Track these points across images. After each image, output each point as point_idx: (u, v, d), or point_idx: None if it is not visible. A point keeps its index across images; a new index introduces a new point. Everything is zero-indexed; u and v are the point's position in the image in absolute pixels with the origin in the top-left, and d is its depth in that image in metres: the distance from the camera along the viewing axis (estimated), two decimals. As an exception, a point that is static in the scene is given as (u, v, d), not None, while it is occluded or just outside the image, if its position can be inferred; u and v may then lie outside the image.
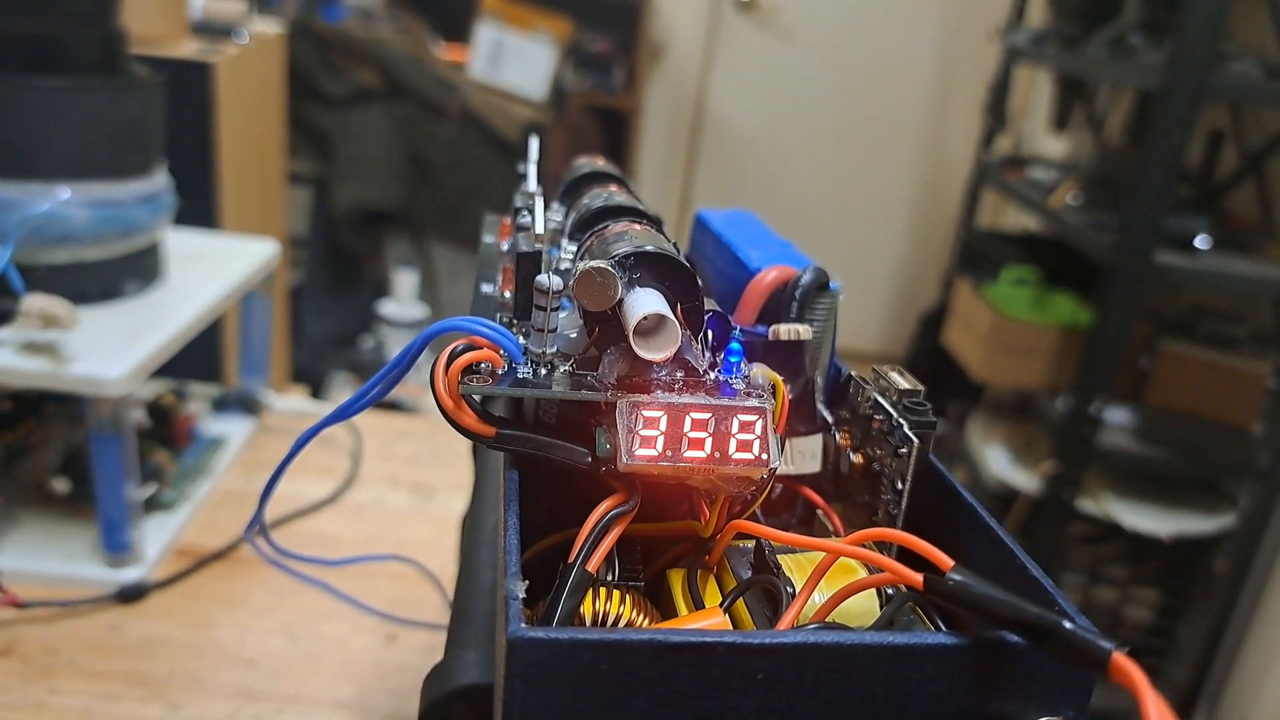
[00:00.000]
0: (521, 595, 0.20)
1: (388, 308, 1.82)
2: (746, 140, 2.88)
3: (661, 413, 0.24)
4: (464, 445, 0.82)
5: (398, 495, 0.76)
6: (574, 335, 0.27)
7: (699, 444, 0.24)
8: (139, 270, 0.67)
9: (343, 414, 0.27)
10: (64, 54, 0.60)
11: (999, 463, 1.73)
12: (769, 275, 0.33)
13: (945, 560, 0.21)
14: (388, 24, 2.50)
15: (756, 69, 2.83)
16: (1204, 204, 1.67)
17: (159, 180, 0.68)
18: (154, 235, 0.68)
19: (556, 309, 0.26)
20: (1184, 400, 1.57)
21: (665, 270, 0.26)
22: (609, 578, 0.26)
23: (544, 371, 0.26)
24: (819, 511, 0.31)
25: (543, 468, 0.28)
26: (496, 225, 0.41)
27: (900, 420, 0.28)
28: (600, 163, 0.40)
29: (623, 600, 0.24)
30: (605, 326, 0.25)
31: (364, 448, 0.81)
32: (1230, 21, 1.42)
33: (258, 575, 0.65)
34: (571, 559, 0.24)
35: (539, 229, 0.28)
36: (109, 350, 0.58)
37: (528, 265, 0.26)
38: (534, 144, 0.39)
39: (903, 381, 0.29)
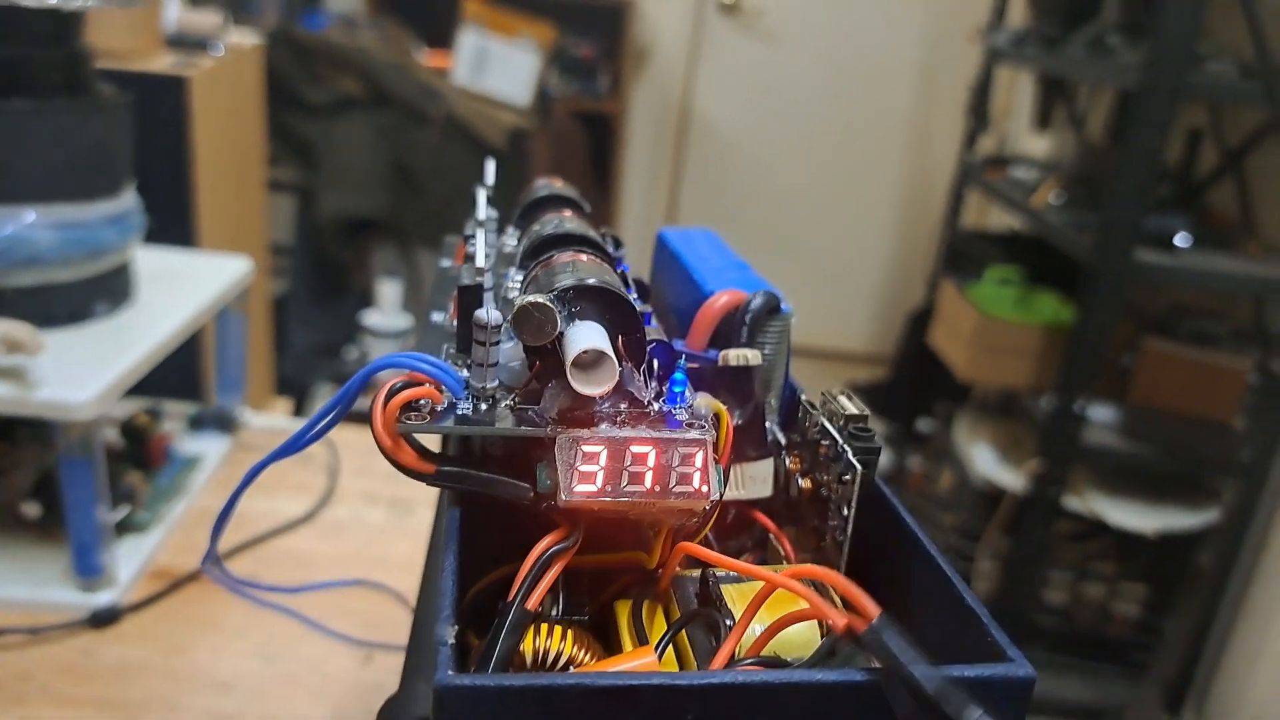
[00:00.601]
0: (451, 641, 0.20)
1: (372, 318, 1.81)
2: (732, 143, 2.88)
3: (601, 447, 0.24)
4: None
5: (375, 512, 0.76)
6: (518, 366, 0.27)
7: (639, 478, 0.24)
8: (108, 291, 0.67)
9: (286, 451, 0.27)
10: (27, 76, 0.60)
11: (985, 462, 1.73)
12: (719, 300, 0.33)
13: (870, 608, 0.21)
14: (370, 31, 2.50)
15: (741, 72, 2.83)
16: (1184, 202, 1.68)
17: (127, 200, 0.67)
18: (123, 256, 0.68)
19: (497, 343, 0.26)
20: (1167, 397, 1.58)
21: (606, 303, 0.26)
22: (553, 612, 0.26)
23: (484, 406, 0.26)
24: (771, 536, 0.31)
25: (488, 502, 0.28)
26: (454, 248, 0.41)
27: (845, 447, 0.28)
28: (558, 185, 0.40)
29: (563, 636, 0.24)
30: (546, 360, 0.25)
31: (341, 464, 0.81)
32: (1206, 22, 1.43)
33: (233, 597, 0.65)
34: (510, 597, 0.24)
35: (480, 261, 0.28)
36: (77, 374, 0.58)
37: (468, 299, 0.26)
38: (490, 168, 0.39)
39: (850, 407, 0.29)
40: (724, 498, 0.31)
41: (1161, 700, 1.58)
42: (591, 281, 0.26)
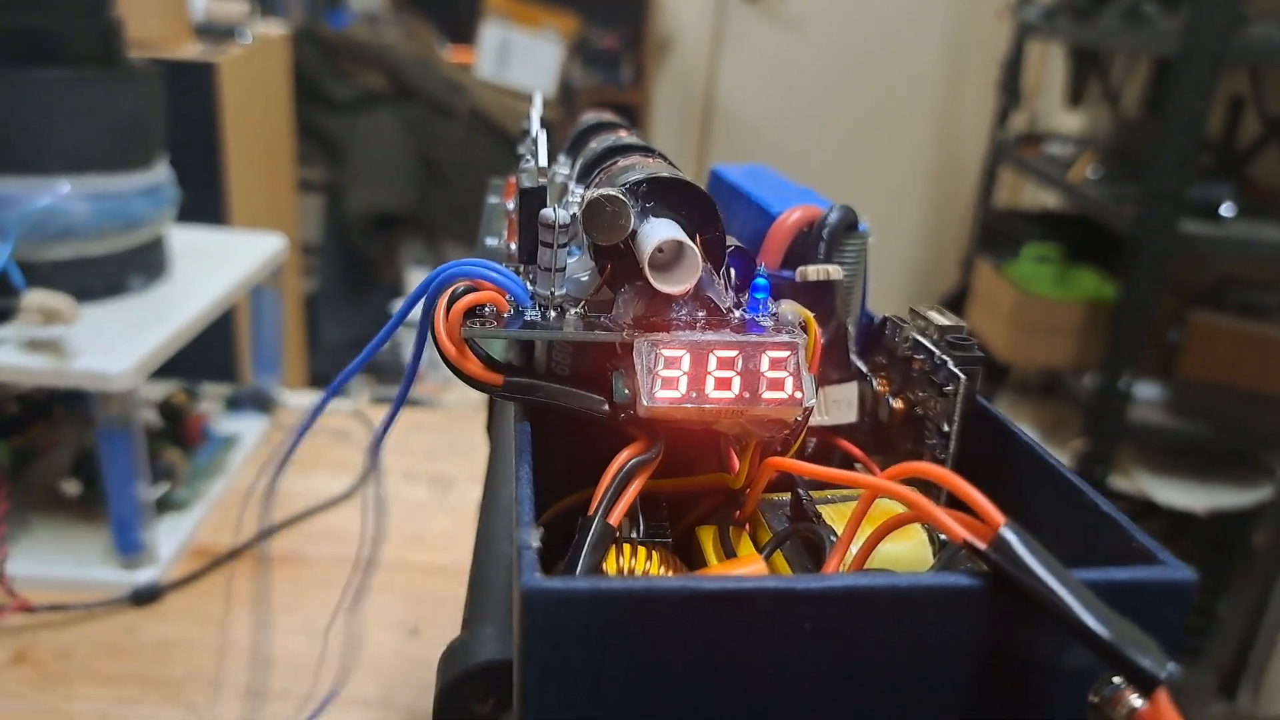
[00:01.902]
0: (536, 544, 0.18)
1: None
2: (757, 130, 2.85)
3: (683, 351, 0.22)
4: (482, 436, 0.80)
5: (416, 489, 0.74)
6: (585, 279, 0.25)
7: (726, 384, 0.22)
8: (143, 265, 0.65)
9: (358, 365, 0.25)
10: (61, 46, 0.58)
11: (1028, 443, 1.69)
12: (792, 215, 0.30)
13: (995, 515, 0.18)
14: (393, 27, 2.49)
15: (764, 59, 2.81)
16: (1227, 171, 1.63)
17: (160, 172, 0.66)
18: (157, 229, 0.67)
19: (564, 245, 0.24)
20: (1216, 372, 1.53)
21: (681, 198, 0.24)
22: (633, 534, 0.24)
23: (553, 315, 0.24)
24: (858, 465, 0.29)
25: (557, 423, 0.26)
26: (501, 187, 0.39)
27: (944, 357, 0.26)
28: (607, 115, 0.38)
29: (649, 557, 0.22)
30: (618, 263, 0.23)
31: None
32: (1249, -19, 1.39)
33: (274, 573, 0.64)
34: (591, 511, 0.22)
35: (542, 162, 0.26)
36: (114, 345, 0.57)
37: (531, 202, 0.24)
38: (538, 97, 0.37)
39: (943, 319, 0.27)
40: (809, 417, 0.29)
41: (1216, 684, 1.53)
42: (664, 174, 0.23)
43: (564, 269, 0.24)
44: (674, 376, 0.22)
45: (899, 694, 0.18)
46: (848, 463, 0.29)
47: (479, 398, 0.90)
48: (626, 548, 0.22)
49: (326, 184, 2.21)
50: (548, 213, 0.23)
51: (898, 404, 0.28)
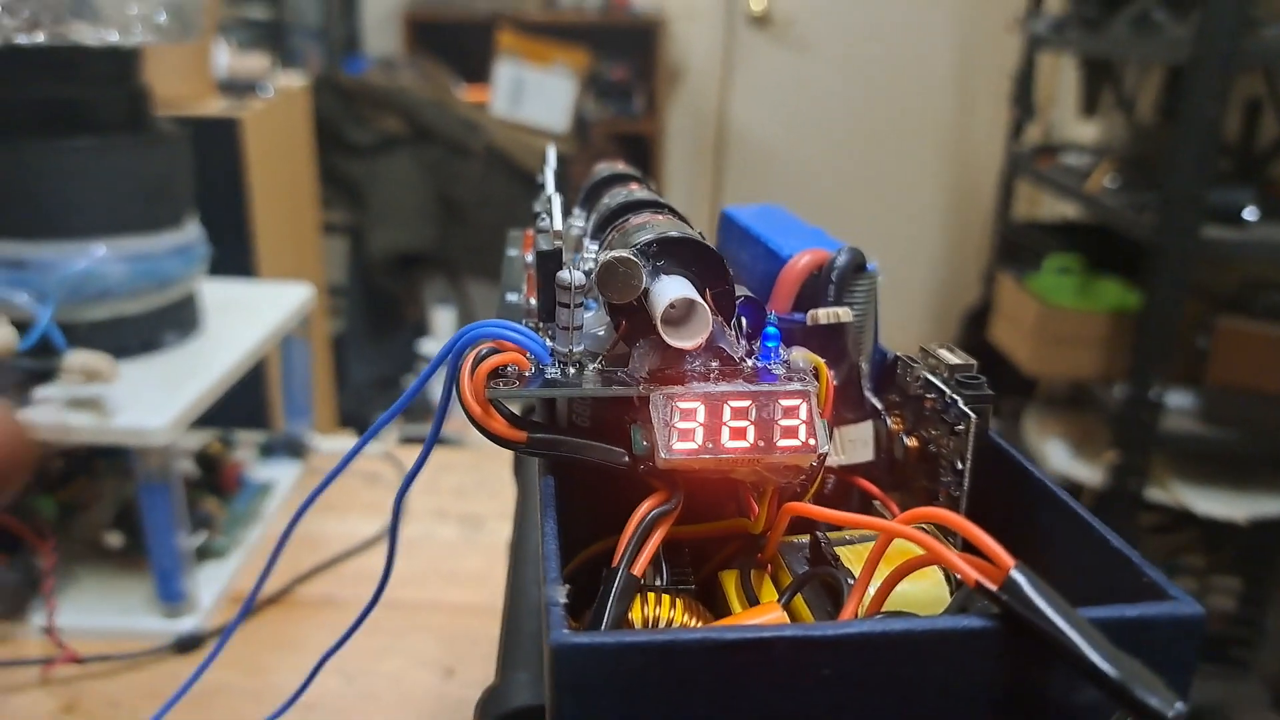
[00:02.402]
0: (564, 601, 0.19)
1: (428, 346, 1.83)
2: (771, 153, 2.87)
3: (698, 403, 0.23)
4: (510, 473, 0.82)
5: (446, 528, 0.75)
6: (601, 333, 0.26)
7: (741, 434, 0.23)
8: (177, 321, 0.67)
9: (392, 414, 0.26)
10: (91, 114, 0.61)
11: (1059, 457, 1.68)
12: (801, 260, 0.31)
13: (1004, 558, 0.19)
14: (409, 71, 2.54)
15: (775, 82, 2.83)
16: (1247, 175, 1.62)
17: (191, 231, 0.68)
18: (189, 286, 0.69)
19: (580, 305, 0.25)
20: (1247, 377, 1.52)
21: (690, 255, 0.25)
22: (657, 582, 0.25)
23: (572, 371, 0.25)
24: (875, 503, 0.29)
25: (580, 476, 0.27)
26: (520, 239, 0.40)
27: (954, 396, 0.26)
28: (620, 166, 0.39)
29: (673, 604, 0.23)
30: (632, 319, 0.24)
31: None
32: (1258, -15, 1.39)
33: (312, 617, 0.65)
34: (615, 563, 0.22)
35: (557, 225, 0.27)
36: (152, 401, 0.58)
37: (548, 264, 0.25)
38: (551, 151, 0.38)
39: (953, 357, 0.28)
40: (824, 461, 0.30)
41: (1269, 698, 1.51)
42: (674, 234, 0.25)
43: (581, 327, 0.25)
44: (690, 428, 0.23)
45: (918, 734, 0.19)
46: (866, 500, 0.30)
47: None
48: (651, 596, 0.23)
49: (349, 226, 2.25)
50: (564, 275, 0.24)
51: (912, 442, 0.28)
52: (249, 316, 0.74)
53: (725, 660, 0.18)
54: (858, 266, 0.32)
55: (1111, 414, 1.57)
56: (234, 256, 1.07)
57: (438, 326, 1.85)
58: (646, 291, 0.24)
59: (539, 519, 0.23)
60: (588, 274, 0.25)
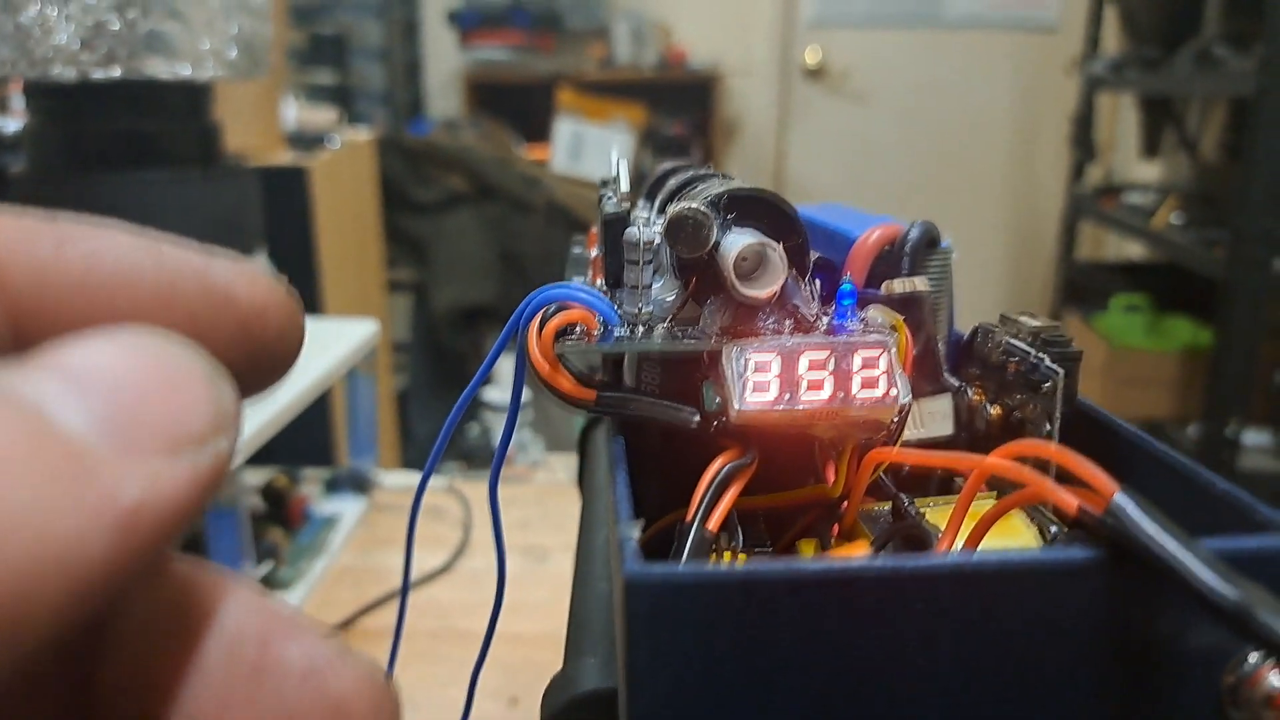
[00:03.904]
0: (637, 535, 0.18)
1: (491, 394, 1.84)
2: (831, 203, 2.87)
3: (773, 355, 0.22)
4: (575, 506, 0.81)
5: (511, 559, 0.74)
6: (671, 299, 0.25)
7: (818, 385, 0.22)
8: (245, 352, 0.68)
9: (468, 396, 0.26)
10: (164, 148, 0.63)
11: (1137, 501, 1.62)
12: (873, 234, 0.30)
13: (1107, 484, 0.18)
14: (471, 131, 2.60)
15: (833, 134, 2.84)
16: (1324, 206, 1.58)
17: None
18: (257, 318, 0.70)
19: (650, 262, 0.24)
20: (1333, 414, 1.45)
21: (762, 209, 0.24)
22: (733, 545, 0.24)
23: (641, 330, 0.24)
24: (958, 479, 0.28)
25: (650, 445, 0.26)
26: (584, 240, 0.40)
27: (1040, 355, 0.25)
28: (682, 161, 0.39)
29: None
30: (703, 275, 0.24)
31: (474, 516, 0.80)
32: (1326, 13, 1.36)
33: (375, 648, 0.64)
34: (689, 518, 0.21)
35: (624, 188, 0.27)
36: (219, 426, 0.59)
37: (615, 228, 0.25)
38: (619, 147, 0.38)
39: (1035, 321, 0.27)
40: (903, 438, 0.28)
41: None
42: (744, 187, 0.24)
43: (650, 286, 0.24)
44: (765, 380, 0.22)
45: (1019, 677, 0.17)
46: (948, 477, 0.28)
47: (570, 472, 0.90)
48: (726, 554, 0.22)
49: (414, 284, 2.30)
50: (633, 231, 0.24)
51: (995, 411, 0.27)
52: (315, 350, 0.75)
53: (809, 596, 0.17)
54: (931, 241, 0.31)
55: (1188, 455, 1.51)
56: (302, 300, 1.09)
57: (501, 376, 1.86)
58: (717, 245, 0.24)
59: (608, 481, 0.22)
60: (657, 236, 0.25)
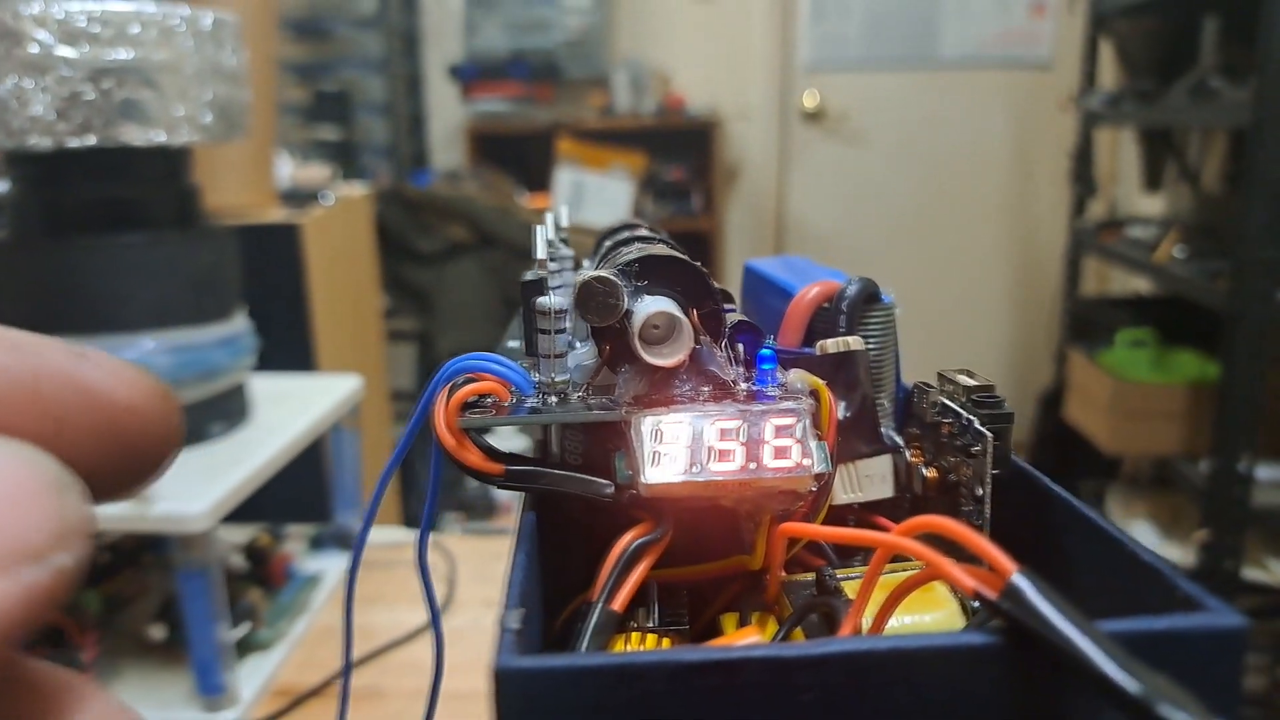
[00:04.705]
0: (516, 626, 0.17)
1: (490, 437, 1.83)
2: (832, 245, 2.87)
3: (682, 424, 0.22)
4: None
5: (490, 613, 0.73)
6: (591, 365, 0.25)
7: (728, 455, 0.22)
8: (223, 412, 0.68)
9: (394, 464, 0.26)
10: (140, 212, 0.63)
11: (1147, 539, 1.59)
12: (810, 292, 0.30)
13: (1005, 563, 0.17)
14: (473, 182, 2.63)
15: (832, 175, 2.85)
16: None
17: (238, 323, 0.70)
18: (237, 377, 0.70)
19: (561, 331, 0.24)
20: (1345, 447, 1.43)
21: (676, 275, 0.24)
22: (648, 624, 0.23)
23: (554, 400, 0.24)
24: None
25: (573, 518, 0.26)
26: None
27: (970, 418, 0.24)
28: (633, 220, 0.39)
29: (659, 644, 0.21)
30: (616, 343, 0.23)
31: (458, 572, 0.79)
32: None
33: (356, 710, 0.63)
34: (593, 597, 0.21)
35: (539, 254, 0.26)
36: (192, 489, 0.59)
37: (529, 292, 0.25)
38: (557, 212, 0.38)
39: (970, 380, 0.26)
40: (840, 502, 0.28)
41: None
42: (657, 252, 0.24)
43: (564, 355, 0.24)
44: (674, 451, 0.22)
45: (917, 770, 0.16)
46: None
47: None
48: (635, 636, 0.21)
49: (418, 333, 2.30)
50: (544, 300, 0.23)
51: (930, 473, 0.26)
52: (297, 406, 0.75)
53: (692, 685, 0.16)
54: (870, 297, 0.30)
55: (1199, 491, 1.49)
56: (295, 360, 1.09)
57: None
58: (629, 314, 0.23)
59: (511, 550, 0.21)
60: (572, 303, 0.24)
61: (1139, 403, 1.64)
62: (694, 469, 0.21)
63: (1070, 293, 2.09)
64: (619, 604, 0.21)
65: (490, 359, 0.24)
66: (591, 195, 2.65)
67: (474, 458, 0.23)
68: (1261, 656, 1.46)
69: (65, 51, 0.56)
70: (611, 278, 0.23)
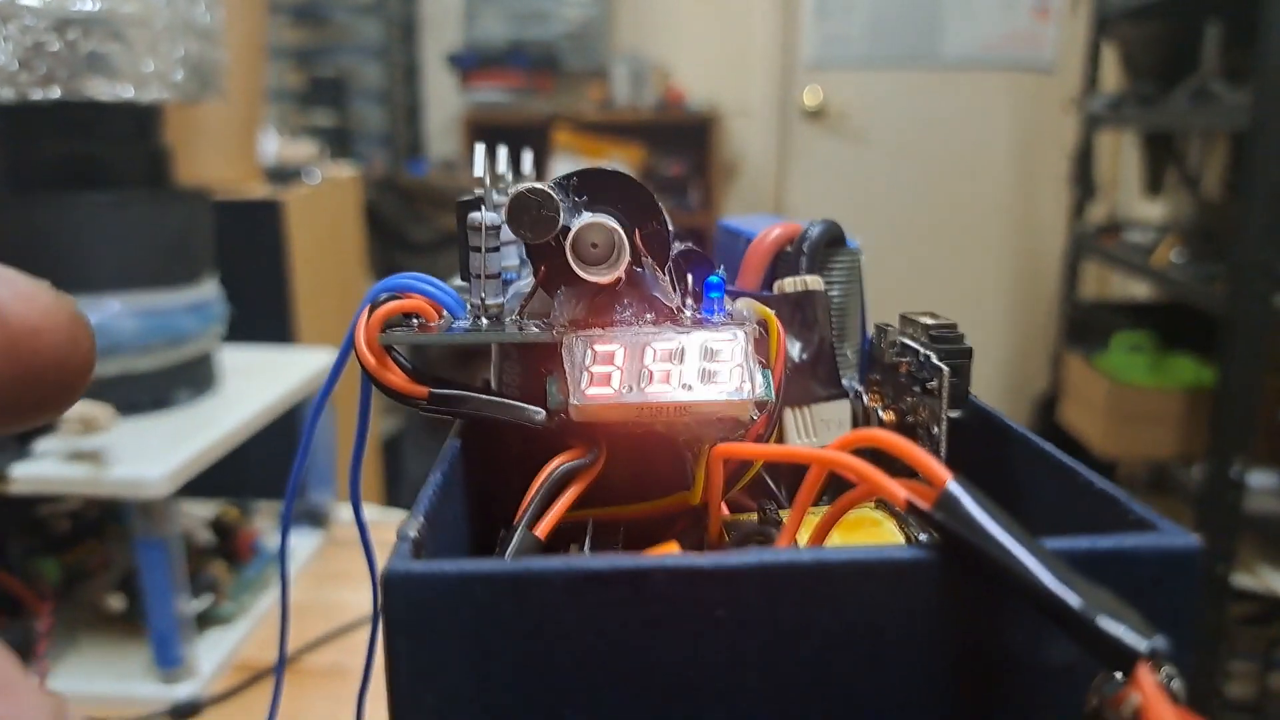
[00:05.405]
0: (414, 535, 0.16)
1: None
2: (829, 244, 2.85)
3: (617, 345, 0.20)
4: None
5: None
6: (527, 289, 0.23)
7: (665, 378, 0.20)
8: (190, 380, 0.67)
9: (327, 391, 0.24)
10: (107, 170, 0.62)
11: (1138, 542, 1.57)
12: (772, 233, 0.29)
13: (939, 472, 0.15)
14: (468, 172, 2.61)
15: (832, 174, 2.83)
16: (1324, 241, 1.55)
17: (208, 289, 0.68)
18: (205, 345, 0.68)
19: (495, 249, 0.22)
20: (1339, 453, 1.42)
21: (617, 191, 0.22)
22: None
23: (485, 323, 0.22)
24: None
25: (512, 452, 0.24)
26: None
27: (927, 353, 0.23)
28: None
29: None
30: (552, 262, 0.22)
31: (431, 552, 0.77)
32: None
33: (318, 688, 0.62)
34: (516, 520, 0.19)
35: (477, 172, 0.25)
36: (152, 454, 0.57)
37: (463, 211, 0.23)
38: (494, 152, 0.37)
39: (930, 319, 0.25)
40: (794, 445, 0.26)
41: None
42: (596, 167, 0.22)
43: (497, 275, 0.22)
44: (607, 372, 0.20)
45: (840, 690, 0.15)
46: (843, 484, 0.26)
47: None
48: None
49: (409, 322, 2.29)
50: (475, 215, 0.22)
51: (888, 416, 0.25)
52: (268, 378, 0.73)
53: (591, 596, 0.15)
54: (834, 240, 0.29)
55: (1192, 495, 1.48)
56: (275, 339, 1.08)
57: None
58: (566, 231, 0.22)
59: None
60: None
61: (1135, 406, 1.63)
62: (627, 390, 0.20)
63: (1069, 296, 2.08)
64: (542, 530, 0.19)
65: (420, 279, 0.23)
66: (588, 189, 2.63)
67: (396, 378, 0.21)
68: (1252, 663, 1.45)
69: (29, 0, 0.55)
70: (546, 190, 0.21)
